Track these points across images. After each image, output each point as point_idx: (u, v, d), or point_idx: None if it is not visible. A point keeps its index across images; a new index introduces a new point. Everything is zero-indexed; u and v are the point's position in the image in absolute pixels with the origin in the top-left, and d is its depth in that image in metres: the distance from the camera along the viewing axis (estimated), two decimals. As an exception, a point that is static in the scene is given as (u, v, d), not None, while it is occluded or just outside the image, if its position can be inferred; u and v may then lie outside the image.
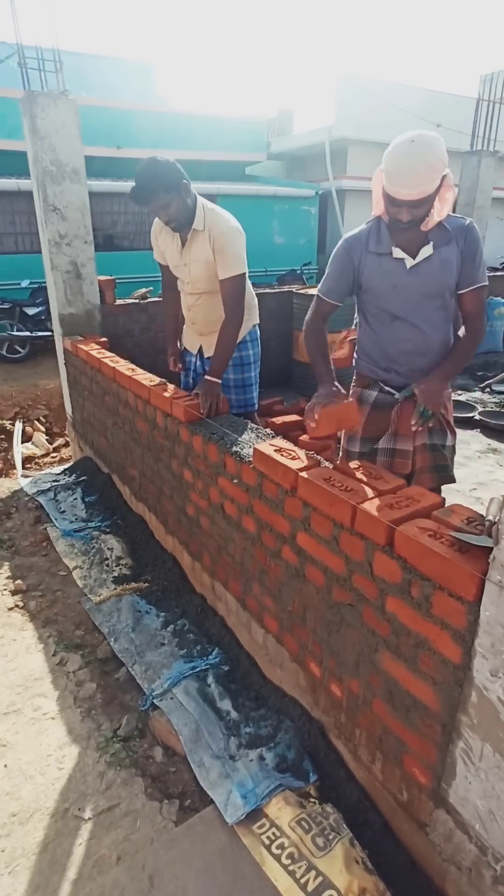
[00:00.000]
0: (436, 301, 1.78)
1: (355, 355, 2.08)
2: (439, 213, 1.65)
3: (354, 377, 2.08)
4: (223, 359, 2.22)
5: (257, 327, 2.58)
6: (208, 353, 2.51)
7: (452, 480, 2.00)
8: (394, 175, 1.55)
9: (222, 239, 2.19)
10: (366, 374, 2.02)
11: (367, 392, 2.00)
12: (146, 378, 2.51)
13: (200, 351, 2.59)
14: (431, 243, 1.70)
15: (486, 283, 1.77)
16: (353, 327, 2.12)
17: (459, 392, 5.07)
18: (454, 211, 1.76)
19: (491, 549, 1.01)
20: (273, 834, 1.40)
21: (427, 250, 1.71)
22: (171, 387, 2.34)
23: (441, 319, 1.82)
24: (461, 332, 1.90)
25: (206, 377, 2.18)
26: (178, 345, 2.73)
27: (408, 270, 1.74)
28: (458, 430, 2.05)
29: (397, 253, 1.74)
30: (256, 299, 2.58)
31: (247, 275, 2.28)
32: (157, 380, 2.47)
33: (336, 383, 1.76)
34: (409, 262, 1.74)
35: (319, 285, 1.90)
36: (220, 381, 2.18)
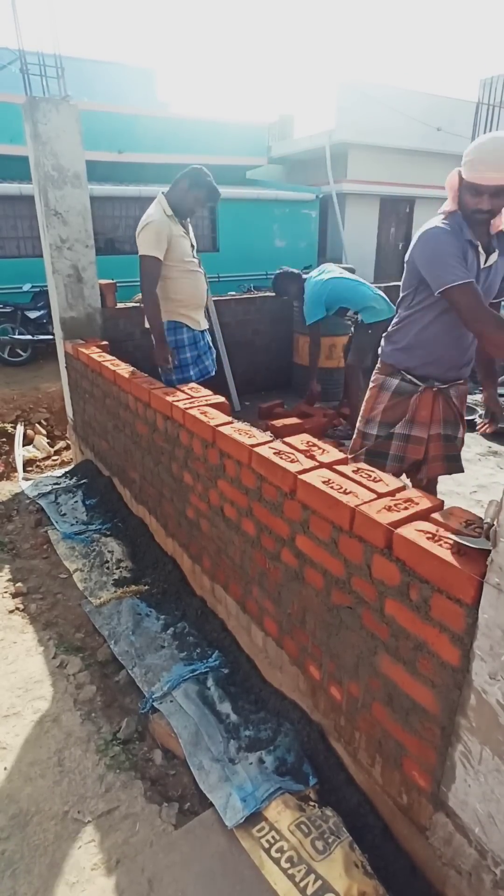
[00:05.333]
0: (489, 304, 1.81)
1: (383, 342, 2.11)
2: (500, 219, 1.68)
3: (379, 364, 2.13)
4: None
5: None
6: (205, 325, 3.13)
7: (461, 470, 2.11)
8: (479, 161, 1.60)
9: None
10: (390, 363, 2.07)
11: (389, 380, 2.07)
12: (146, 381, 2.51)
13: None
14: (497, 251, 1.73)
15: None
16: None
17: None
18: None
19: (489, 551, 1.02)
20: (272, 837, 1.40)
21: (493, 257, 1.74)
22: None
23: None
24: None
25: None
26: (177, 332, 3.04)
27: (482, 268, 1.77)
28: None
29: (481, 249, 1.76)
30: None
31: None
32: (157, 382, 2.48)
33: None
34: (483, 262, 1.76)
35: (453, 276, 1.65)
36: None
